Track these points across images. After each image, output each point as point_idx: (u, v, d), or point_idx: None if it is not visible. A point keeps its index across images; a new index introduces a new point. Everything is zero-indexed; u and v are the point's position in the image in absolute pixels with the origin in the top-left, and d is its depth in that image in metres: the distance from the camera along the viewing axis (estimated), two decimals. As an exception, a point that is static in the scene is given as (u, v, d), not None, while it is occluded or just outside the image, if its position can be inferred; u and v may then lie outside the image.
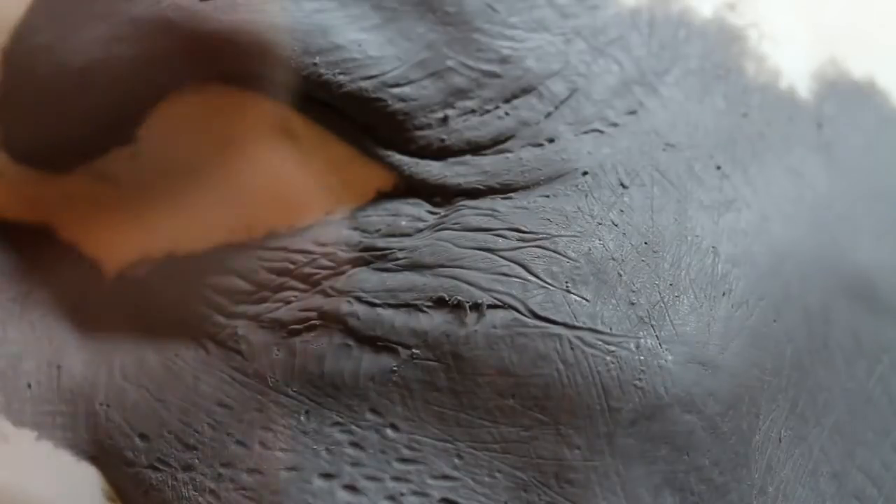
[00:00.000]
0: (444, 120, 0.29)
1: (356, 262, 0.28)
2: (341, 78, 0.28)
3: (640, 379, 0.27)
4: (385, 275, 0.28)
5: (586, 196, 0.29)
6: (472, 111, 0.29)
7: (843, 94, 0.34)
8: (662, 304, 0.28)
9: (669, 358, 0.28)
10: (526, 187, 0.29)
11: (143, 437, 0.28)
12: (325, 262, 0.28)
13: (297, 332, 0.28)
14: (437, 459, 0.27)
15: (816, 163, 0.32)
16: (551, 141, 0.29)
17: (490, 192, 0.29)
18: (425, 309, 0.27)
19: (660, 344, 0.28)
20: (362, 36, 0.28)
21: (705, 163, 0.30)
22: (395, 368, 0.27)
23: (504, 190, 0.29)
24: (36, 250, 0.31)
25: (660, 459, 0.27)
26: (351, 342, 0.28)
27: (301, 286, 0.28)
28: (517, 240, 0.28)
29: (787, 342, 0.30)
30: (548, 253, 0.28)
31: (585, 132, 0.29)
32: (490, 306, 0.27)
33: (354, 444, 0.27)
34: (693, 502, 0.28)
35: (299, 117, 0.29)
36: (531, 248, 0.28)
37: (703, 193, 0.30)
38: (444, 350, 0.27)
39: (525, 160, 0.29)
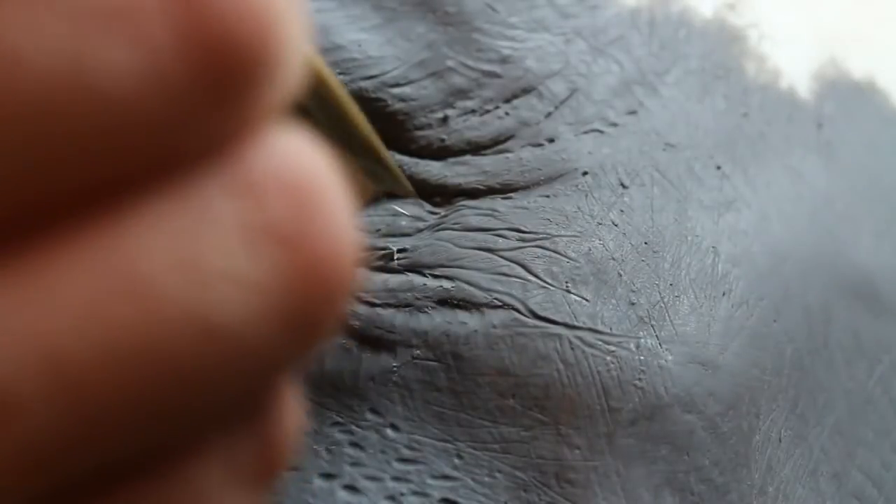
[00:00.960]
0: (444, 120, 0.29)
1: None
2: (341, 78, 0.28)
3: (640, 379, 0.27)
4: (385, 275, 0.28)
5: (586, 196, 0.29)
6: (473, 111, 0.29)
7: (843, 94, 0.34)
8: (662, 304, 0.28)
9: (669, 358, 0.28)
10: (526, 187, 0.29)
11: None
12: (325, 262, 0.28)
13: (297, 332, 0.28)
14: (437, 459, 0.27)
15: (816, 163, 0.32)
16: (551, 141, 0.29)
17: (490, 192, 0.29)
18: (425, 309, 0.27)
19: (660, 344, 0.28)
20: (362, 36, 0.28)
21: (705, 163, 0.30)
22: (395, 368, 0.27)
23: (504, 190, 0.29)
24: None
25: (660, 459, 0.27)
26: (351, 342, 0.28)
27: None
28: (517, 240, 0.28)
29: (788, 342, 0.30)
30: (548, 253, 0.28)
31: (585, 132, 0.29)
32: (490, 306, 0.27)
33: (354, 444, 0.27)
34: (693, 502, 0.28)
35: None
36: (531, 248, 0.28)
37: (703, 193, 0.30)
38: (444, 350, 0.27)
39: (525, 160, 0.29)
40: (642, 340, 0.27)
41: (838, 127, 0.33)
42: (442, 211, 0.29)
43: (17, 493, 0.11)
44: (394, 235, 0.28)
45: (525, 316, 0.27)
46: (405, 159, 0.29)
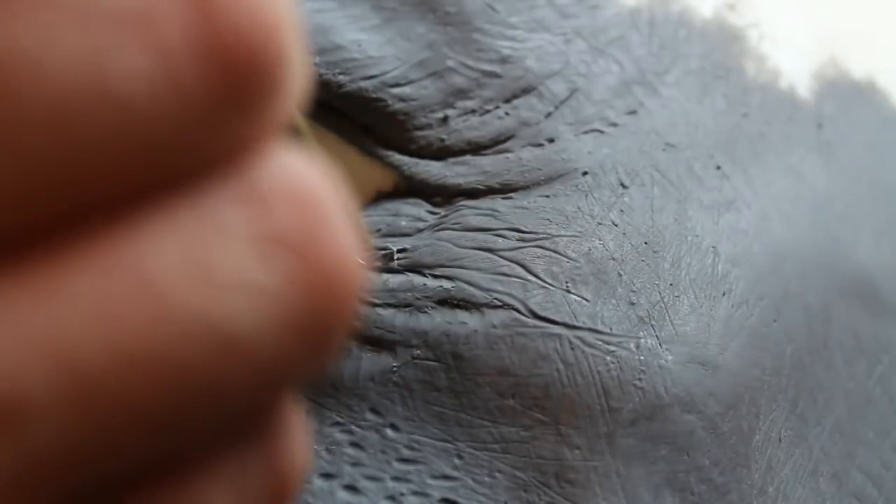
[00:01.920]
0: (445, 120, 0.29)
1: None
2: (341, 78, 0.28)
3: (640, 379, 0.27)
4: (385, 275, 0.28)
5: (586, 196, 0.29)
6: (473, 111, 0.29)
7: (843, 94, 0.34)
8: (662, 304, 0.28)
9: (669, 358, 0.28)
10: (526, 187, 0.29)
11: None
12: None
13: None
14: (437, 459, 0.27)
15: (816, 163, 0.32)
16: (551, 141, 0.29)
17: (490, 192, 0.29)
18: (425, 309, 0.27)
19: (660, 344, 0.28)
20: (362, 36, 0.28)
21: (705, 163, 0.30)
22: (395, 368, 0.27)
23: (504, 190, 0.29)
24: None
25: (660, 459, 0.27)
26: (351, 342, 0.28)
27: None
28: (517, 240, 0.28)
29: (788, 342, 0.30)
30: (548, 253, 0.28)
31: (585, 132, 0.29)
32: (490, 306, 0.27)
33: (354, 444, 0.27)
34: (693, 502, 0.28)
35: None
36: (531, 248, 0.28)
37: (703, 193, 0.30)
38: (444, 350, 0.27)
39: (525, 160, 0.29)
40: (642, 340, 0.27)
41: (838, 127, 0.33)
42: (442, 211, 0.29)
43: (29, 502, 0.11)
44: (394, 235, 0.28)
45: (525, 316, 0.27)
46: (405, 159, 0.29)
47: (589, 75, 0.30)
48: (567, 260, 0.28)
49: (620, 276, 0.28)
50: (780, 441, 0.29)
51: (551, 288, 0.27)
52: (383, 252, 0.28)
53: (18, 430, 0.11)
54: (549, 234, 0.28)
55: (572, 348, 0.27)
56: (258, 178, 0.12)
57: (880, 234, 0.33)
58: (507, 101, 0.29)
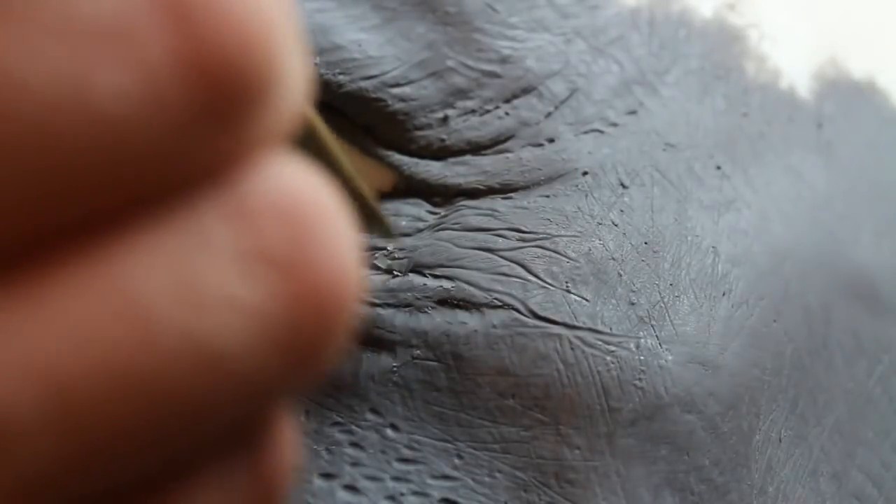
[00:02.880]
0: (445, 120, 0.29)
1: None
2: (341, 78, 0.28)
3: (640, 379, 0.27)
4: (385, 275, 0.28)
5: (586, 196, 0.29)
6: (473, 111, 0.29)
7: (843, 94, 0.34)
8: (662, 304, 0.28)
9: (669, 358, 0.28)
10: (526, 187, 0.29)
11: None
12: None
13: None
14: (437, 459, 0.27)
15: (816, 162, 0.32)
16: (551, 141, 0.29)
17: (490, 192, 0.29)
18: (425, 309, 0.27)
19: (660, 344, 0.28)
20: (362, 36, 0.28)
21: (705, 163, 0.30)
22: (395, 368, 0.27)
23: (504, 190, 0.29)
24: None
25: (660, 459, 0.27)
26: (351, 344, 0.28)
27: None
28: (517, 240, 0.28)
29: (788, 342, 0.30)
30: (548, 253, 0.28)
31: (585, 132, 0.29)
32: (490, 306, 0.27)
33: (354, 444, 0.27)
34: (693, 502, 0.28)
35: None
36: (531, 248, 0.28)
37: (703, 193, 0.30)
38: (444, 350, 0.27)
39: (525, 160, 0.29)
40: (642, 340, 0.27)
41: (838, 127, 0.33)
42: (442, 211, 0.29)
43: None
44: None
45: (525, 316, 0.27)
46: (405, 159, 0.29)
47: (589, 75, 0.30)
48: (567, 260, 0.28)
49: (620, 276, 0.28)
50: (780, 441, 0.29)
51: (551, 288, 0.27)
52: (383, 252, 0.28)
53: (5, 450, 0.11)
54: (549, 234, 0.28)
55: (572, 348, 0.27)
56: (246, 192, 0.12)
57: (880, 234, 0.33)
58: (507, 101, 0.29)
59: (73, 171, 0.11)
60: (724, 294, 0.29)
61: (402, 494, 0.27)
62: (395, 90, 0.28)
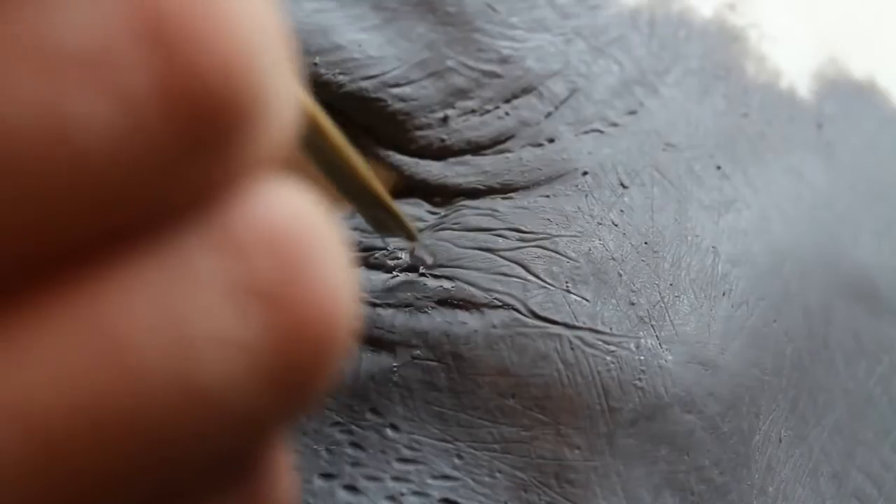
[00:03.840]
0: (445, 120, 0.29)
1: (356, 263, 0.28)
2: (341, 78, 0.28)
3: (640, 379, 0.27)
4: (385, 275, 0.28)
5: (586, 196, 0.29)
6: (473, 111, 0.29)
7: (843, 94, 0.34)
8: (662, 304, 0.28)
9: (669, 358, 0.28)
10: (526, 187, 0.29)
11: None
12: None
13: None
14: (437, 459, 0.27)
15: (816, 162, 0.32)
16: (551, 141, 0.29)
17: (490, 192, 0.29)
18: (425, 309, 0.27)
19: (660, 344, 0.28)
20: (362, 36, 0.28)
21: (705, 163, 0.30)
22: (395, 368, 0.27)
23: (504, 190, 0.29)
24: None
25: (660, 459, 0.27)
26: (350, 346, 0.28)
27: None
28: (517, 240, 0.28)
29: (788, 342, 0.30)
30: (548, 253, 0.28)
31: (586, 132, 0.29)
32: (490, 306, 0.27)
33: (354, 444, 0.27)
34: (693, 502, 0.28)
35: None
36: (531, 248, 0.28)
37: (703, 193, 0.30)
38: (444, 350, 0.27)
39: (525, 160, 0.29)
40: (642, 340, 0.27)
41: (838, 127, 0.33)
42: (442, 211, 0.29)
43: None
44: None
45: (525, 316, 0.27)
46: (405, 159, 0.29)
47: (589, 75, 0.30)
48: (567, 260, 0.28)
49: (620, 276, 0.28)
50: (780, 441, 0.29)
51: (551, 288, 0.27)
52: (383, 252, 0.28)
53: None
54: (549, 234, 0.28)
55: (572, 348, 0.27)
56: (233, 222, 0.12)
57: (880, 234, 0.33)
58: (507, 101, 0.29)
59: (51, 202, 0.11)
60: (724, 294, 0.29)
61: (402, 494, 0.27)
62: (395, 90, 0.28)
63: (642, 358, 0.27)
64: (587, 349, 0.27)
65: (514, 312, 0.27)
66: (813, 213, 0.31)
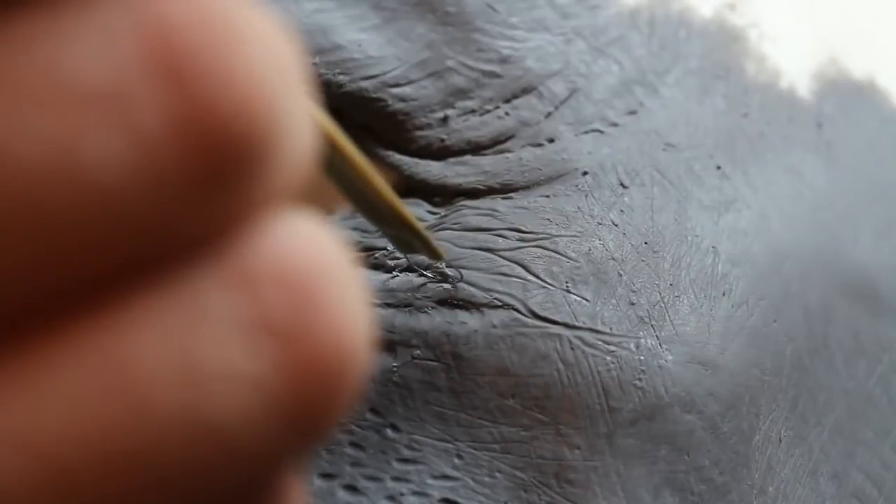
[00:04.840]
0: (445, 120, 0.29)
1: (356, 263, 0.28)
2: (341, 78, 0.28)
3: (640, 379, 0.27)
4: (385, 275, 0.28)
5: (586, 196, 0.29)
6: (473, 111, 0.29)
7: (843, 94, 0.34)
8: (662, 304, 0.28)
9: (669, 358, 0.28)
10: (526, 187, 0.29)
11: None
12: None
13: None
14: (437, 459, 0.27)
15: (816, 162, 0.32)
16: (551, 141, 0.29)
17: (490, 192, 0.29)
18: (425, 309, 0.27)
19: (660, 344, 0.28)
20: (362, 36, 0.28)
21: (705, 163, 0.30)
22: (395, 368, 0.27)
23: (504, 190, 0.29)
24: None
25: (660, 459, 0.27)
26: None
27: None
28: (517, 240, 0.28)
29: (788, 342, 0.30)
30: (548, 253, 0.28)
31: (586, 132, 0.29)
32: (490, 306, 0.27)
33: (354, 444, 0.27)
34: (693, 502, 0.28)
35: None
36: (531, 248, 0.28)
37: (703, 193, 0.30)
38: (444, 350, 0.27)
39: (525, 160, 0.29)
40: (642, 340, 0.27)
41: (838, 127, 0.33)
42: (442, 211, 0.29)
43: None
44: (394, 235, 0.28)
45: (525, 316, 0.27)
46: (405, 159, 0.29)
47: (589, 75, 0.30)
48: (567, 260, 0.28)
49: (620, 276, 0.28)
50: (780, 441, 0.29)
51: (551, 288, 0.27)
52: (383, 252, 0.28)
53: None
54: (549, 234, 0.28)
55: (572, 348, 0.27)
56: (246, 258, 0.12)
57: (880, 233, 0.33)
58: (507, 101, 0.29)
59: (64, 239, 0.11)
60: (724, 294, 0.29)
61: (402, 494, 0.27)
62: (395, 90, 0.28)
63: (642, 358, 0.27)
64: (587, 349, 0.27)
65: (514, 312, 0.27)
66: (813, 213, 0.31)
